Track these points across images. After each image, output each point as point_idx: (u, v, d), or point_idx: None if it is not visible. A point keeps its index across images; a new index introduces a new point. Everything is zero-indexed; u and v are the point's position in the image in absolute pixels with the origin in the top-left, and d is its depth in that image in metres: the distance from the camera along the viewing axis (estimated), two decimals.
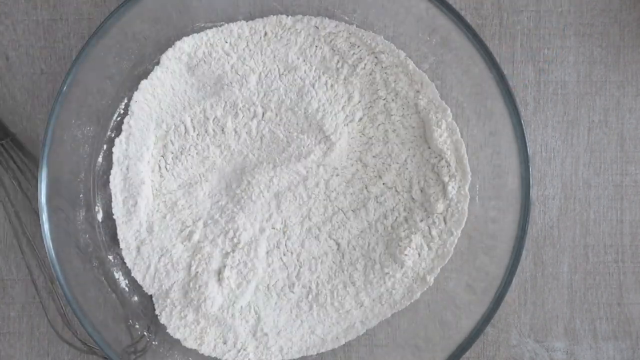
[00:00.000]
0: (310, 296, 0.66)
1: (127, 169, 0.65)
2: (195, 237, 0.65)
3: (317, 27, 0.65)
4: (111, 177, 0.65)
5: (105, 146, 0.65)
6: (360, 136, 0.66)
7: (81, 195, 0.64)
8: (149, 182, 0.65)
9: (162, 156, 0.66)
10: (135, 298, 0.66)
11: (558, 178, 0.69)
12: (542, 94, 0.69)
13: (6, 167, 0.66)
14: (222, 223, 0.66)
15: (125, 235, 0.65)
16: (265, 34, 0.65)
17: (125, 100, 0.65)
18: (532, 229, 0.69)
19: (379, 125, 0.66)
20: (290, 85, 0.66)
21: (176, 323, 0.65)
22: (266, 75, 0.65)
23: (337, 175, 0.66)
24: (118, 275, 0.65)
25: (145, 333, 0.65)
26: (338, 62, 0.66)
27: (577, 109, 0.69)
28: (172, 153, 0.66)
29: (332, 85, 0.65)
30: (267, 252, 0.66)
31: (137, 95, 0.65)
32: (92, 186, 0.65)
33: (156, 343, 0.65)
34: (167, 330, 0.65)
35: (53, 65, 0.67)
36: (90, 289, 0.62)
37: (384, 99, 0.66)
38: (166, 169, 0.66)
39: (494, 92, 0.58)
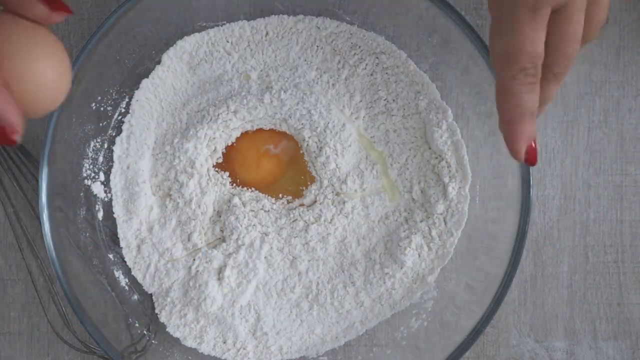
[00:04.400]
0: (310, 296, 0.66)
1: (128, 167, 0.65)
2: (196, 236, 0.65)
3: (319, 28, 0.65)
4: (112, 176, 0.65)
5: (106, 145, 0.65)
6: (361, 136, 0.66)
7: (81, 195, 0.64)
8: (150, 181, 0.65)
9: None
10: (135, 297, 0.66)
11: (558, 178, 0.69)
12: None
13: (6, 168, 0.65)
14: (223, 221, 0.66)
15: (126, 234, 0.65)
16: (267, 33, 0.66)
17: (127, 99, 0.65)
18: (532, 229, 0.69)
19: (380, 125, 0.66)
20: None
21: (176, 322, 0.65)
22: (267, 75, 0.66)
23: None
24: (118, 274, 0.65)
25: (145, 332, 0.65)
26: (339, 62, 0.66)
27: (577, 109, 0.69)
28: None
29: (333, 85, 0.65)
30: (269, 252, 0.66)
31: (138, 94, 0.65)
32: (93, 185, 0.65)
33: (156, 342, 0.65)
34: (167, 329, 0.65)
35: None
36: (90, 288, 0.62)
37: (384, 100, 0.66)
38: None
39: (494, 92, 0.59)
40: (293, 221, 0.65)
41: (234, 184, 0.67)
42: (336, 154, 0.64)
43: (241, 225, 0.65)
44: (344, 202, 0.65)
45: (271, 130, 0.66)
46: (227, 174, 0.66)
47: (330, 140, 0.64)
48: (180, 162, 0.64)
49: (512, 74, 0.47)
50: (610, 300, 0.70)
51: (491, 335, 0.69)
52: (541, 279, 0.69)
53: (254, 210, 0.66)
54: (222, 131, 0.65)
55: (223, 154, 0.66)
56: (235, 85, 0.65)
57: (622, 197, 0.69)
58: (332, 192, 0.65)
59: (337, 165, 0.65)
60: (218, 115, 0.64)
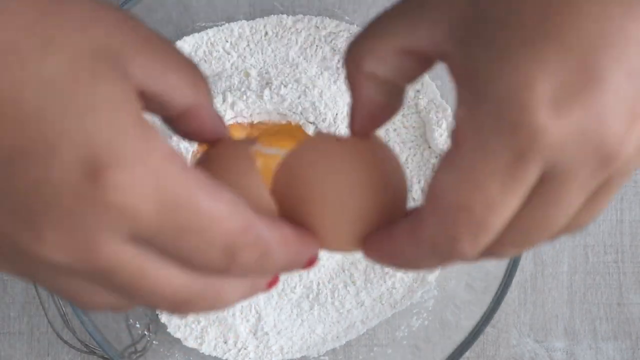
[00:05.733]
0: (310, 296, 0.66)
1: None
2: None
3: (318, 27, 0.65)
4: None
5: None
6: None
7: None
8: None
9: None
10: None
11: None
12: None
13: None
14: None
15: None
16: (266, 33, 0.66)
17: None
18: None
19: None
20: None
21: (177, 322, 0.65)
22: (266, 72, 0.66)
23: None
24: None
25: (145, 332, 0.65)
26: (338, 61, 0.66)
27: None
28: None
29: (334, 82, 0.65)
30: None
31: None
32: None
33: (157, 343, 0.65)
34: (167, 330, 0.65)
35: None
36: None
37: None
38: None
39: None
40: None
41: None
42: None
43: None
44: None
45: (269, 127, 0.66)
46: None
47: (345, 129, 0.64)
48: None
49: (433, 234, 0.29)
50: (610, 300, 0.70)
51: (491, 335, 0.69)
52: (541, 279, 0.69)
53: None
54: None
55: None
56: (235, 81, 0.65)
57: (622, 197, 0.69)
58: None
59: None
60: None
